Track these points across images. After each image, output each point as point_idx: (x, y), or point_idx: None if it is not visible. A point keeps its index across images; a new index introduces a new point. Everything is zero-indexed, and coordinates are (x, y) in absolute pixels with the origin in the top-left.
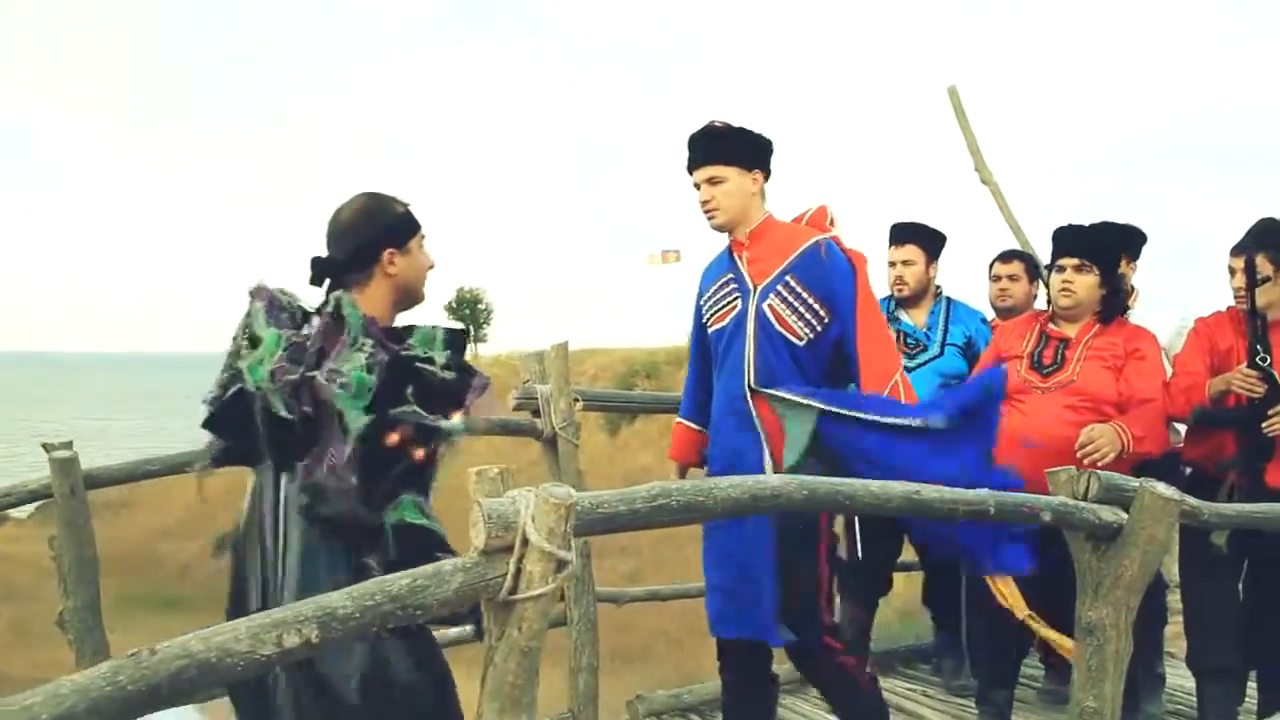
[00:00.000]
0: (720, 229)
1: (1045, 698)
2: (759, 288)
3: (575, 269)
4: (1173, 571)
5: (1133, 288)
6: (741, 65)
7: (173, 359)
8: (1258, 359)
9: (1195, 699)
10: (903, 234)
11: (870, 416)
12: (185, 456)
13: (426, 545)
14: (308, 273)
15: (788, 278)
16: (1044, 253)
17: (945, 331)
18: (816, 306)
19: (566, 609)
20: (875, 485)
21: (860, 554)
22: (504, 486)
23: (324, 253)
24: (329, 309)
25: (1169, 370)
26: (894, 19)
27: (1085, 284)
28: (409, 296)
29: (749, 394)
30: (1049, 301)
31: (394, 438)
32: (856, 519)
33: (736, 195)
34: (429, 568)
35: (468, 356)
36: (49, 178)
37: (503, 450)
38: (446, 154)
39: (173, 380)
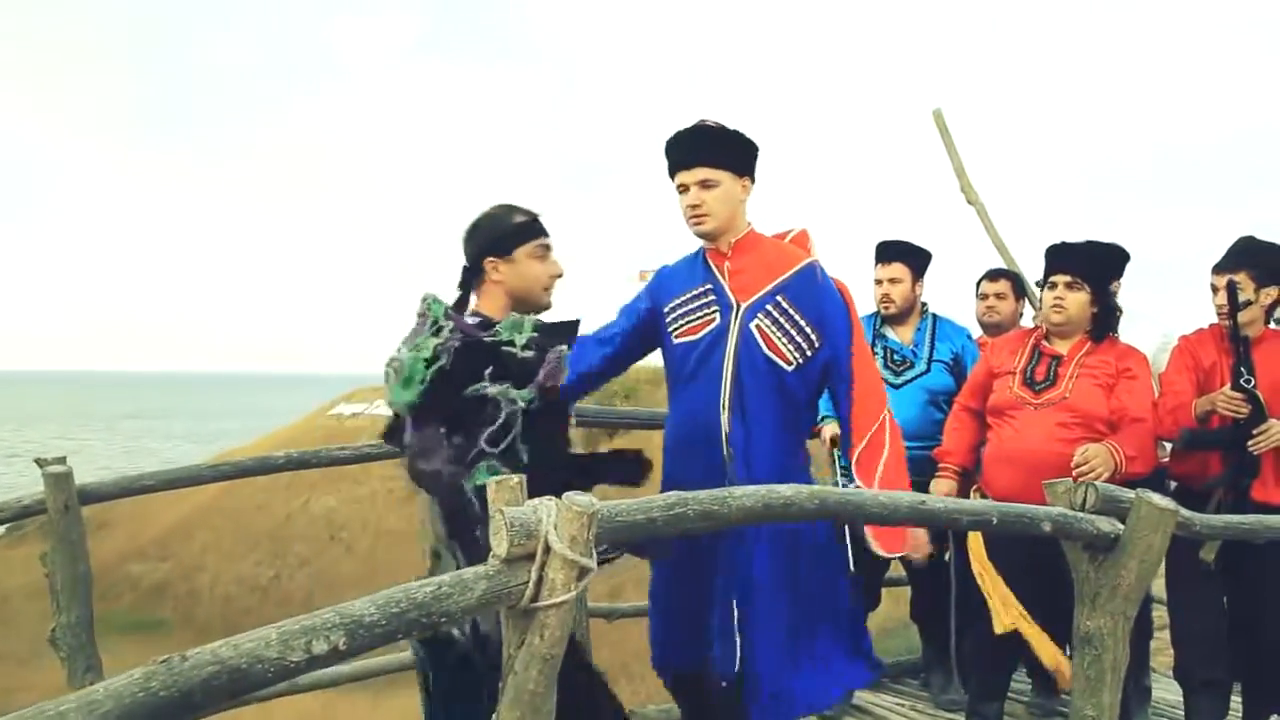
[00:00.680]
0: (706, 236)
1: (1033, 710)
2: (744, 305)
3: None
4: (1157, 586)
5: (1119, 306)
6: (729, 86)
7: (157, 378)
8: (1241, 380)
9: (1180, 712)
10: (889, 252)
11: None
12: (181, 472)
13: None
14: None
15: (779, 298)
16: (1029, 271)
17: (932, 348)
18: (808, 330)
19: None
20: (884, 495)
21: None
22: (523, 496)
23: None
24: (419, 308)
25: (1158, 390)
26: (881, 42)
27: (1076, 301)
28: (523, 302)
29: (722, 412)
30: (1035, 319)
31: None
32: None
33: (727, 201)
34: (450, 576)
35: None
36: (41, 194)
37: None
38: (435, 172)
39: (156, 399)
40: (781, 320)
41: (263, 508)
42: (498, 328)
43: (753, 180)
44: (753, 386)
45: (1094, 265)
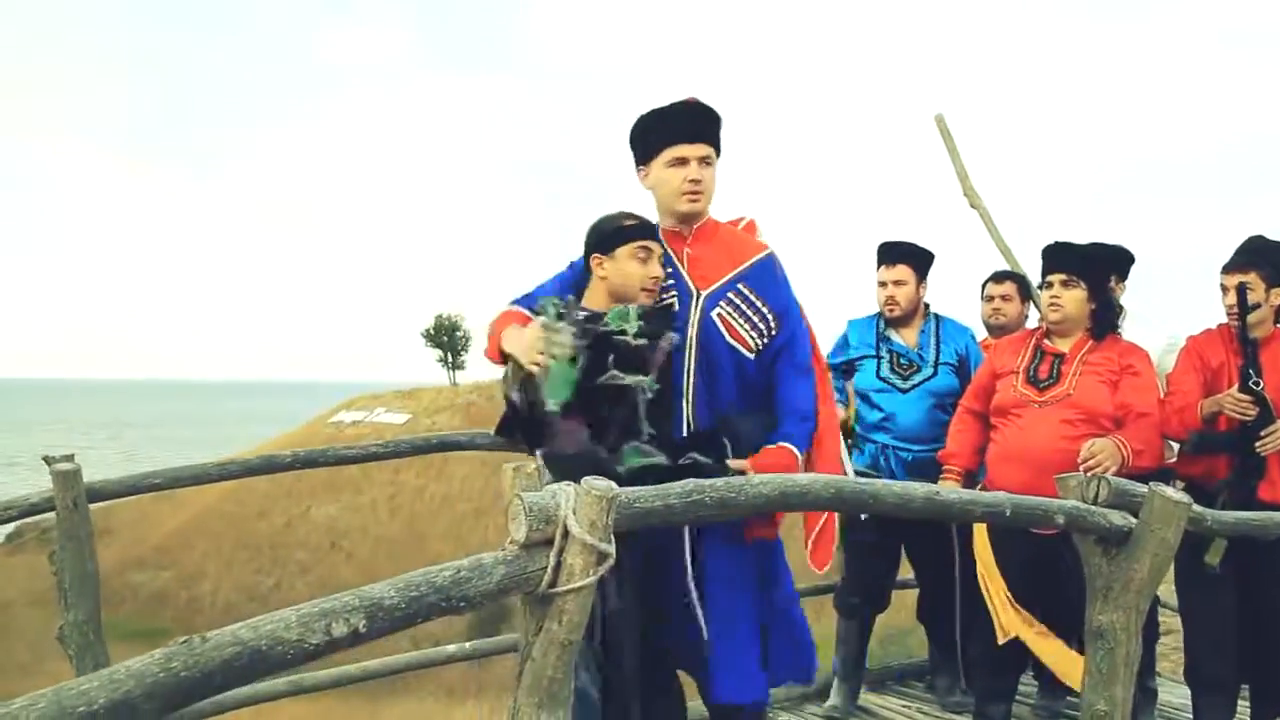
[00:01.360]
0: (695, 215)
1: (1039, 712)
2: (704, 294)
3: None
4: (1163, 590)
5: (1121, 306)
6: (724, 93)
7: (158, 386)
8: (1250, 383)
9: (1185, 715)
10: (893, 254)
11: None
12: (188, 470)
13: (662, 475)
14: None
15: (740, 285)
16: (1033, 274)
17: (937, 351)
18: (768, 314)
19: None
20: (898, 486)
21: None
22: (540, 481)
23: None
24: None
25: (1163, 387)
26: (884, 46)
27: (1073, 299)
28: (622, 300)
29: (685, 404)
30: (1041, 320)
31: None
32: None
33: (714, 185)
34: (469, 560)
35: (448, 382)
36: (37, 203)
37: (496, 467)
38: (432, 182)
39: (157, 408)
40: (743, 306)
41: (264, 515)
42: (607, 318)
43: None
44: (716, 376)
45: (1089, 263)
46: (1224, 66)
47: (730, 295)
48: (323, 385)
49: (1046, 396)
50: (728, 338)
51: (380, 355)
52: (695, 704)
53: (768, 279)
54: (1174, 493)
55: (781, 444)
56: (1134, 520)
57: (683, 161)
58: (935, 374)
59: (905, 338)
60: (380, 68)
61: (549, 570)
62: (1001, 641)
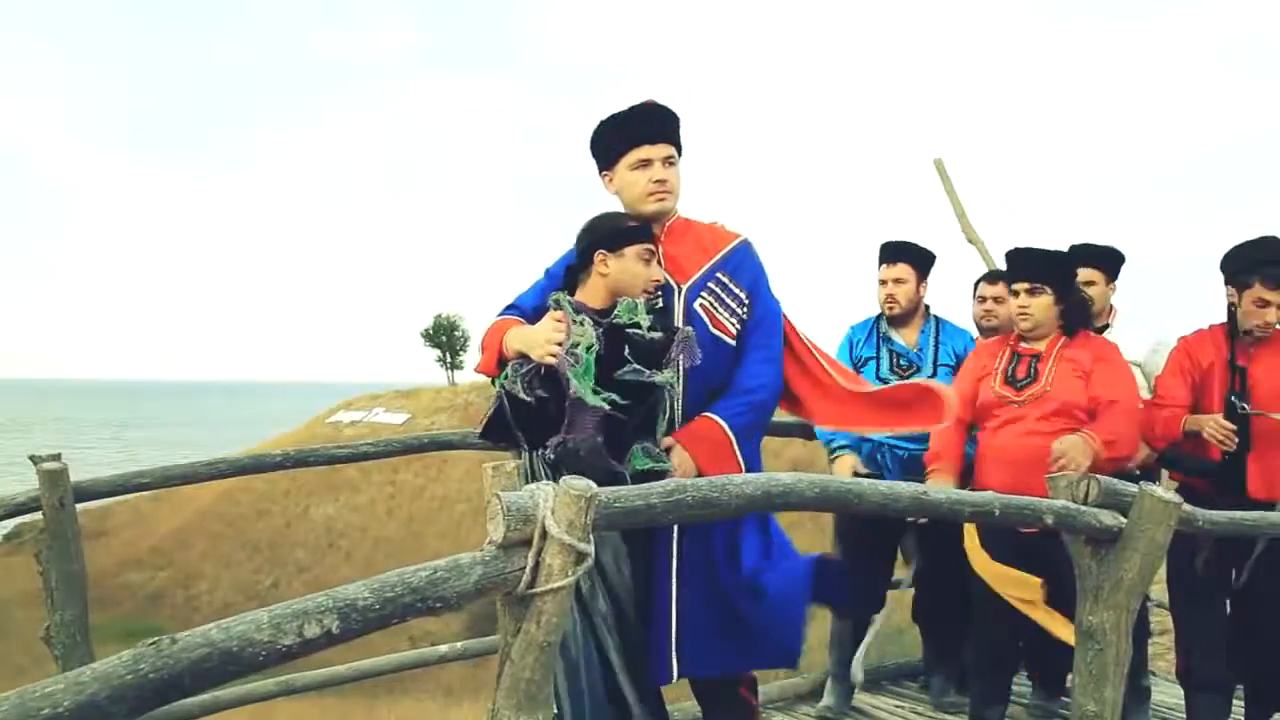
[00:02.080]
0: (663, 214)
1: (1034, 712)
2: (685, 287)
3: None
4: (1155, 590)
5: (1112, 307)
6: (725, 94)
7: (157, 386)
8: (1237, 410)
9: (1179, 715)
10: (894, 253)
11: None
12: (177, 469)
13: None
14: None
15: (718, 274)
16: None
17: (936, 351)
18: (742, 295)
19: None
20: (884, 485)
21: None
22: (520, 480)
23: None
24: (549, 306)
25: (1144, 385)
26: (882, 45)
27: (1040, 305)
28: (622, 296)
29: (678, 397)
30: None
31: None
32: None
33: (679, 183)
34: (446, 560)
35: (447, 382)
36: (43, 205)
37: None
38: (434, 183)
39: (156, 408)
40: (722, 295)
41: (262, 515)
42: (617, 310)
43: None
44: (703, 367)
45: (1050, 267)
46: (1222, 73)
47: (710, 285)
48: (322, 385)
49: (1024, 395)
50: (711, 328)
51: (379, 355)
52: (691, 704)
53: (742, 262)
54: (1164, 492)
55: (705, 414)
56: (1124, 520)
57: (646, 163)
58: (934, 374)
59: (905, 338)
60: (381, 68)
61: (527, 571)
62: (1010, 600)
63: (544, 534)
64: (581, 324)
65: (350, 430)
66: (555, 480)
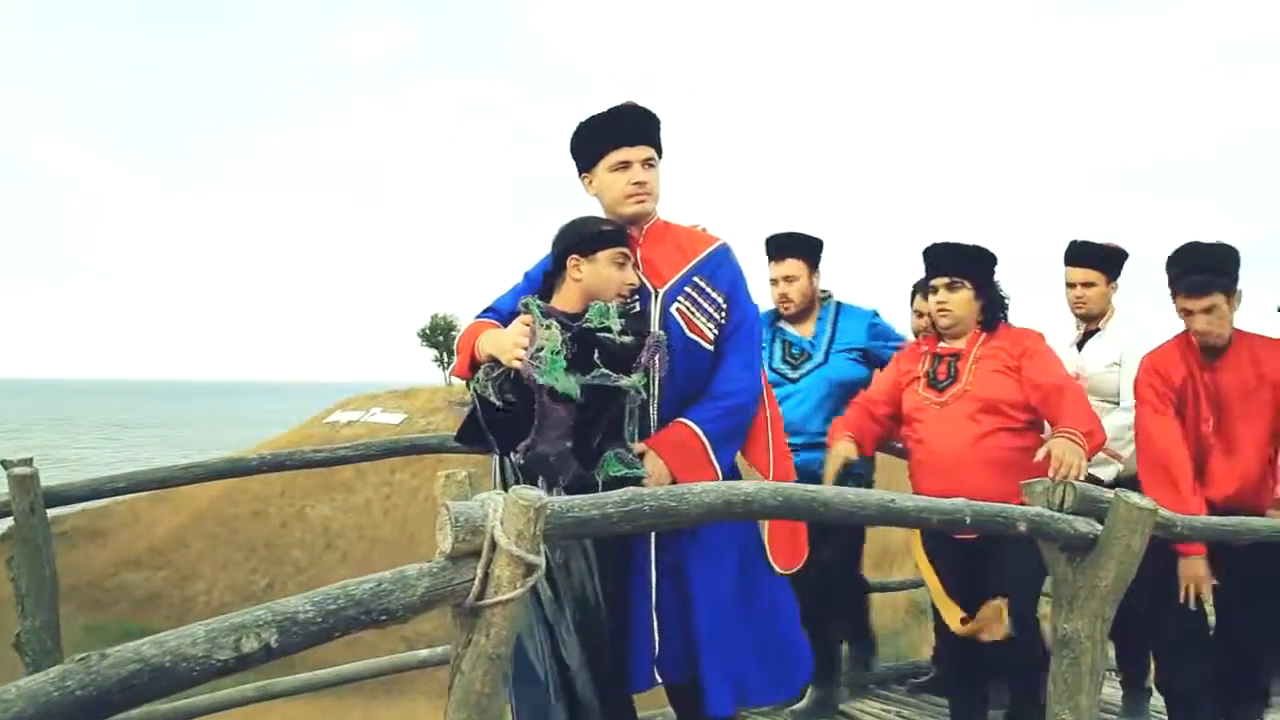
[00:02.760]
0: (642, 216)
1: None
2: (662, 290)
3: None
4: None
5: (1112, 307)
6: (723, 112)
7: (155, 386)
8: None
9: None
10: (780, 247)
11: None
12: (151, 473)
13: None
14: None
15: (695, 278)
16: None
17: (832, 338)
18: (719, 300)
19: None
20: (851, 493)
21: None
22: (472, 490)
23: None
24: (520, 310)
25: (1115, 388)
26: (885, 45)
27: (959, 301)
28: (596, 301)
29: (652, 404)
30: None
31: None
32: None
33: (659, 185)
34: (392, 572)
35: (444, 382)
36: (42, 205)
37: (487, 469)
38: (435, 183)
39: (154, 407)
40: (699, 299)
41: (258, 516)
42: (588, 315)
43: None
44: (680, 373)
45: (970, 262)
46: (1221, 73)
47: (687, 289)
48: (320, 385)
49: (947, 395)
50: (687, 332)
51: (377, 355)
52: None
53: (720, 266)
54: (1140, 499)
55: (680, 420)
56: (1099, 527)
57: (625, 165)
58: (826, 361)
59: (801, 329)
60: (380, 69)
61: (476, 582)
62: (957, 631)
63: (493, 545)
64: (548, 328)
65: (347, 430)
66: (525, 482)
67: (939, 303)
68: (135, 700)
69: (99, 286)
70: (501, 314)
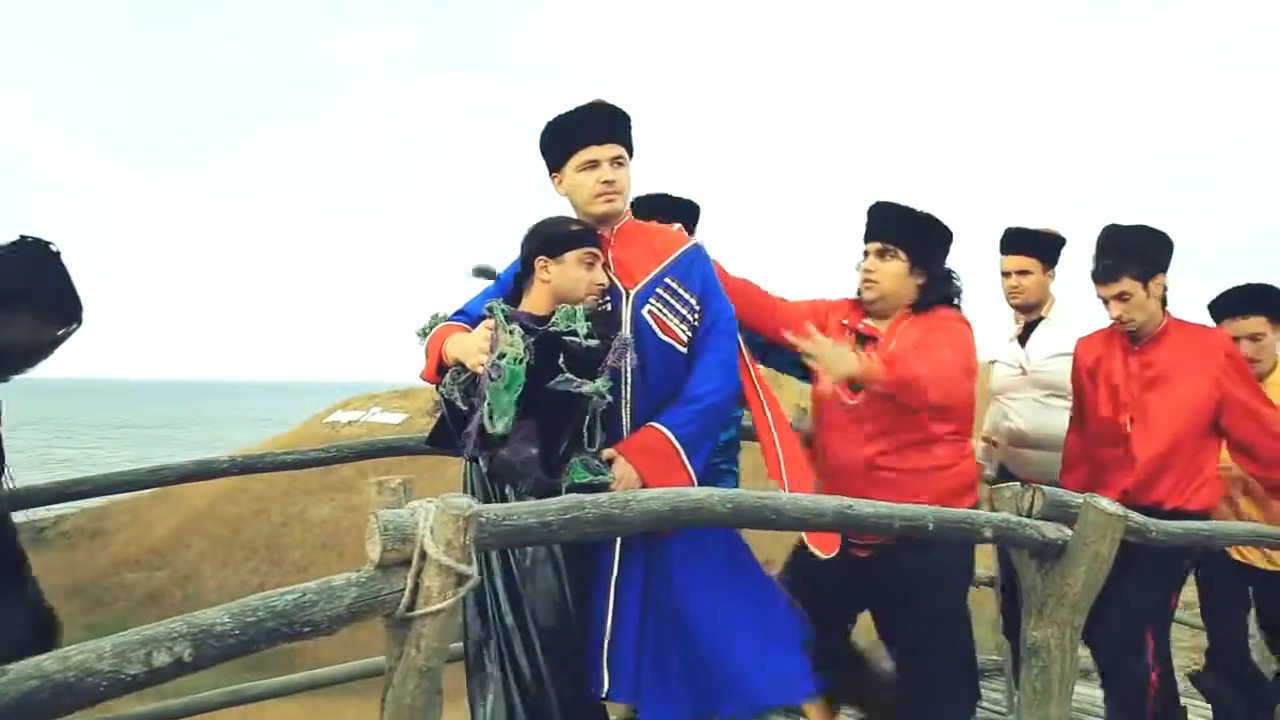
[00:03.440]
0: (611, 216)
1: None
2: (633, 292)
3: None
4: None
5: (1051, 297)
6: (733, 92)
7: (158, 385)
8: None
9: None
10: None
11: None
12: (118, 476)
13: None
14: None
15: (667, 279)
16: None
17: None
18: (693, 302)
19: None
20: (806, 499)
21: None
22: (406, 497)
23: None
24: (485, 314)
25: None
26: (889, 44)
27: (889, 272)
28: (564, 304)
29: (624, 409)
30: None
31: None
32: None
33: (630, 182)
34: (317, 583)
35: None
36: (41, 205)
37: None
38: (434, 183)
39: (157, 407)
40: (671, 300)
41: (259, 515)
42: (555, 318)
43: None
44: (653, 375)
45: (912, 230)
46: (1220, 73)
47: (659, 290)
48: (321, 385)
49: (858, 399)
50: (660, 334)
51: (377, 355)
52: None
53: (692, 266)
54: (1109, 504)
55: (650, 423)
56: (1069, 533)
57: (594, 164)
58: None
59: None
60: (380, 68)
61: (406, 593)
62: None
63: (423, 554)
64: (511, 333)
65: (348, 430)
66: (494, 492)
67: (866, 270)
68: (38, 718)
69: (99, 286)
70: (471, 316)
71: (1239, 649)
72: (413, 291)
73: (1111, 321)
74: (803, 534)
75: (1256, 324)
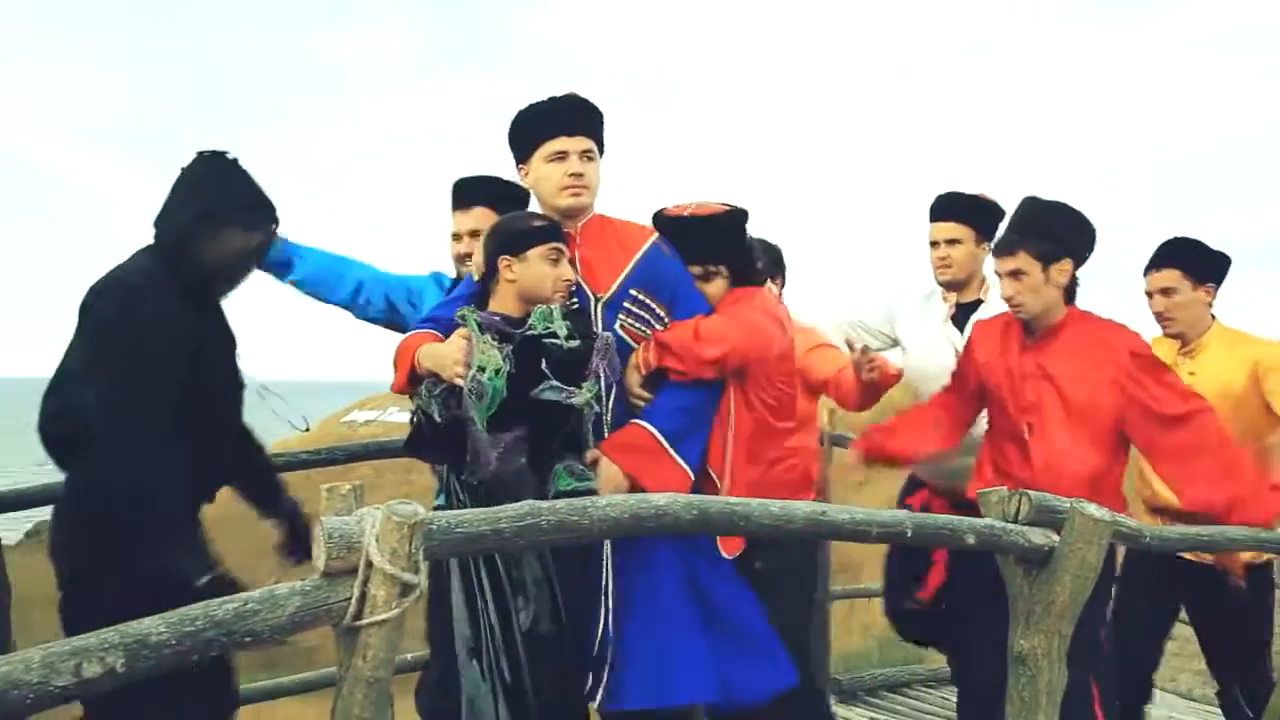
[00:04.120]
0: (579, 210)
1: None
2: (603, 300)
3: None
4: None
5: (984, 279)
6: (748, 91)
7: None
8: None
9: None
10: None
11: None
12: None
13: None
14: None
15: (632, 291)
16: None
17: None
18: (661, 312)
19: None
20: (776, 505)
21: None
22: (356, 504)
23: None
24: (459, 321)
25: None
26: (895, 42)
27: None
28: (531, 303)
29: (606, 409)
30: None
31: None
32: None
33: (599, 177)
34: (260, 592)
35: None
36: (47, 204)
37: None
38: (433, 183)
39: None
40: (643, 314)
41: None
42: (531, 320)
43: None
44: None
45: (712, 237)
46: (1219, 68)
47: (627, 304)
48: (339, 384)
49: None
50: (635, 345)
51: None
52: None
53: (655, 273)
54: (1096, 509)
55: (634, 420)
56: (1056, 539)
57: (562, 156)
58: None
59: None
60: (385, 69)
61: (353, 602)
62: None
63: (369, 563)
64: (486, 343)
65: (365, 429)
66: (476, 503)
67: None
68: None
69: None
70: (441, 324)
71: (1155, 657)
72: None
73: (1007, 302)
74: None
75: (1167, 277)
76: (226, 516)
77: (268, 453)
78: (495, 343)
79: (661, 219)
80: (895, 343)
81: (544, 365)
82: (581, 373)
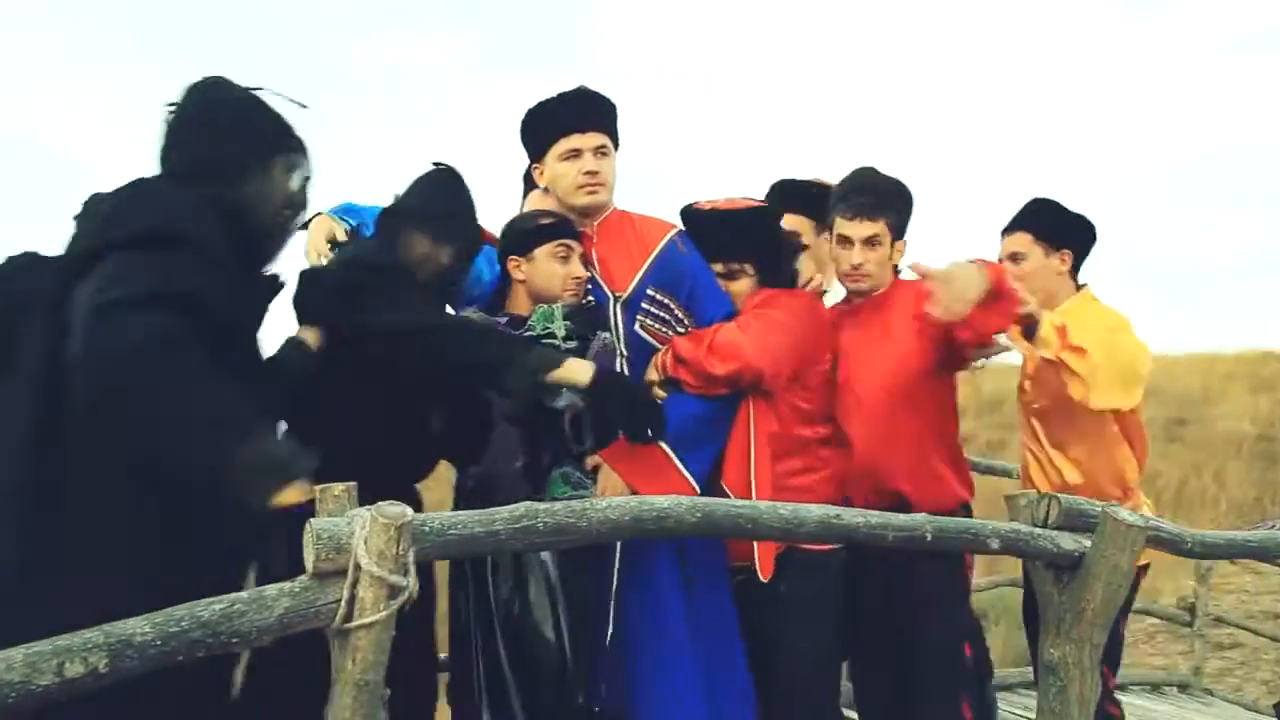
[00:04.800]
0: (596, 208)
1: None
2: (622, 299)
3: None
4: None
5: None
6: (781, 94)
7: None
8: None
9: None
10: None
11: None
12: None
13: None
14: None
15: (649, 290)
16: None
17: None
18: (679, 313)
19: None
20: (785, 509)
21: None
22: (350, 505)
23: None
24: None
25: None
26: (911, 41)
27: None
28: (543, 302)
29: None
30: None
31: None
32: None
33: (614, 176)
34: (249, 592)
35: None
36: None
37: None
38: (476, 181)
39: None
40: (662, 314)
41: None
42: (530, 322)
43: None
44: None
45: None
46: (1241, 67)
47: (645, 305)
48: None
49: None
50: (657, 345)
51: None
52: None
53: (671, 270)
54: (1128, 514)
55: None
56: (1086, 544)
57: (576, 153)
58: None
59: None
60: (438, 72)
61: (343, 604)
62: None
63: (358, 565)
64: None
65: None
66: (466, 505)
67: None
68: None
69: None
70: None
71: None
72: None
73: (845, 275)
74: None
75: (1017, 241)
76: None
77: None
78: None
79: (686, 214)
80: None
81: None
82: None
